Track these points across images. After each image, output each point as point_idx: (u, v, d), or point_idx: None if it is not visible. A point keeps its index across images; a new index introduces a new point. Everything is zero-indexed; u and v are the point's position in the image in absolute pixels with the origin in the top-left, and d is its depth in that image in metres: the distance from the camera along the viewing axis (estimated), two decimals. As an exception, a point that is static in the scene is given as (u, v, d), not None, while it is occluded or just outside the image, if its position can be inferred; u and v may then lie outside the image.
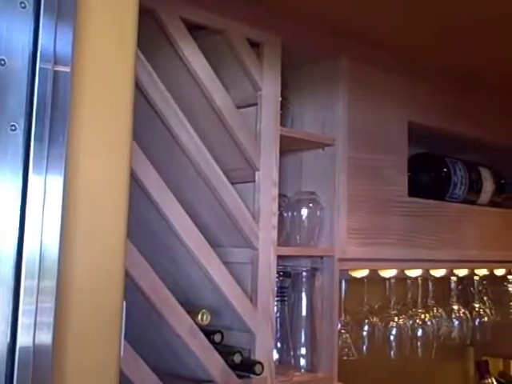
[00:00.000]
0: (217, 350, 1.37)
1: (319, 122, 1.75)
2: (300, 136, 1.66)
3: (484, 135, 2.20)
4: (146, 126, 1.47)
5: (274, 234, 1.52)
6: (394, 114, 1.88)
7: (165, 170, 1.37)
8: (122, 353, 0.87)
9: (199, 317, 1.36)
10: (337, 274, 1.66)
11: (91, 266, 0.84)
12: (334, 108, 1.73)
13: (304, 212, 1.68)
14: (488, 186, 2.21)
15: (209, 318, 1.38)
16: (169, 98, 1.37)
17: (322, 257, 1.67)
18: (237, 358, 1.38)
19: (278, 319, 1.58)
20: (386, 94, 1.86)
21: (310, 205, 1.68)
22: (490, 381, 2.48)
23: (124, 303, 0.88)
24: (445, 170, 2.06)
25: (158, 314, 1.28)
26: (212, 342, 1.37)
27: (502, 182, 2.29)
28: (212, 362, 1.36)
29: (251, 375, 1.41)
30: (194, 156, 1.41)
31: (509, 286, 2.39)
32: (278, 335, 1.58)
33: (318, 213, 1.68)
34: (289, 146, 1.68)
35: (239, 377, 1.41)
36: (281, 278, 1.58)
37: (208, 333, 1.37)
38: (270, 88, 1.55)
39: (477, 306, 2.25)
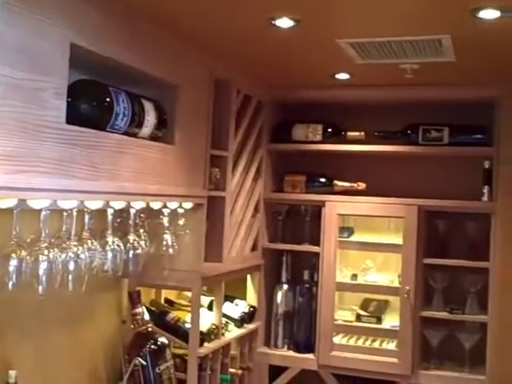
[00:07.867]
0: None
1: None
2: None
3: (150, 69, 2.19)
4: None
5: None
6: (56, 32, 1.72)
7: None
8: None
9: None
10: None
11: None
12: (-16, 16, 1.51)
13: None
14: (150, 119, 2.21)
15: None
16: None
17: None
18: None
19: None
20: (48, 10, 1.69)
21: None
22: (140, 310, 2.56)
23: None
24: (108, 99, 1.98)
25: None
26: None
27: (165, 117, 2.31)
28: None
29: None
30: None
31: (164, 218, 2.46)
32: None
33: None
34: None
35: None
36: None
37: None
38: None
39: (132, 238, 2.27)
